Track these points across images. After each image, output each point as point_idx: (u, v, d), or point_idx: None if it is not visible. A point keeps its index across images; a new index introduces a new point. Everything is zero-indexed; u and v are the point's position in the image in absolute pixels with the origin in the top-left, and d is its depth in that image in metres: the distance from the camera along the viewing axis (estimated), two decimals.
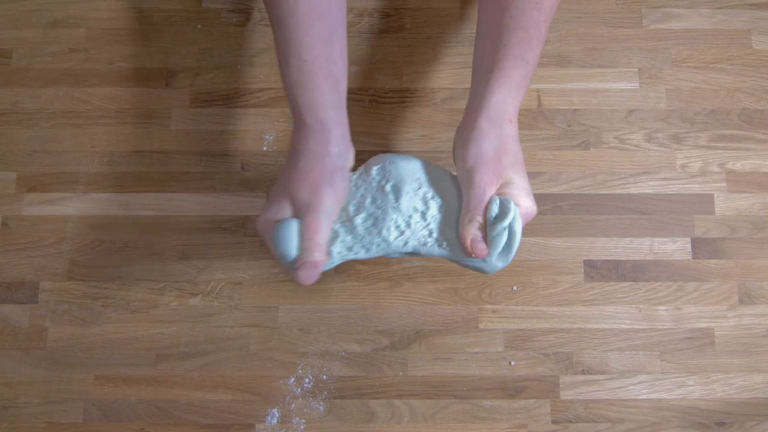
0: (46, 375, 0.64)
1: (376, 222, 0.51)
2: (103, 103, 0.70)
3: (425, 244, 0.51)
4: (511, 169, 0.51)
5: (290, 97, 0.53)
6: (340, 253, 0.51)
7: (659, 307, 0.65)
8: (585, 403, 0.63)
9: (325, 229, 0.51)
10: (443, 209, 0.52)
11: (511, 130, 0.52)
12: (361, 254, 0.51)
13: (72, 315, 0.65)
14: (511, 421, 0.63)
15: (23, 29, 0.71)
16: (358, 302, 0.65)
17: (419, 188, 0.53)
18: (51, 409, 0.63)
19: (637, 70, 0.70)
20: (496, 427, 0.63)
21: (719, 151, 0.68)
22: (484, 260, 0.50)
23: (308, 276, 0.49)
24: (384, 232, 0.51)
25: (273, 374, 0.64)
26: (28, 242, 0.67)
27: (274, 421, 0.63)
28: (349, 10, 0.72)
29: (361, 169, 0.55)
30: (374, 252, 0.51)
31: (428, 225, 0.52)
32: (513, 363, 0.64)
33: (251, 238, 0.66)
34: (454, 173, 0.55)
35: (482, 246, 0.49)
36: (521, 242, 0.53)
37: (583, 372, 0.64)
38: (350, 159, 0.54)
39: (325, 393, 0.63)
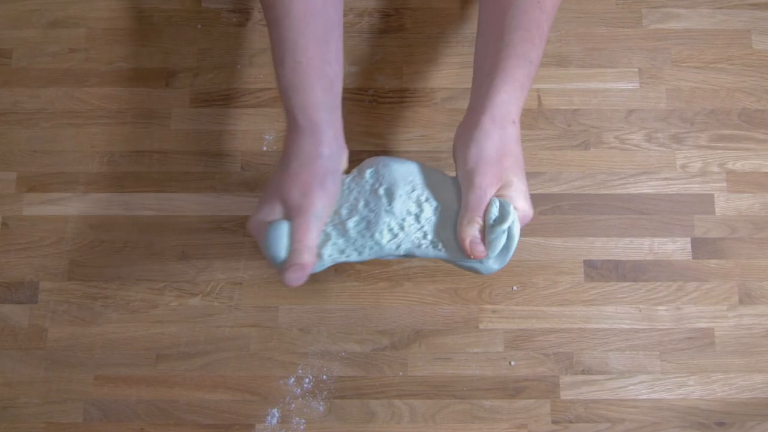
0: (46, 375, 0.64)
1: (369, 225, 0.51)
2: (103, 103, 0.70)
3: (420, 246, 0.51)
4: (511, 172, 0.51)
5: (284, 98, 0.53)
6: (331, 256, 0.51)
7: (659, 307, 0.65)
8: (585, 403, 0.63)
9: (315, 232, 0.50)
10: (438, 211, 0.52)
11: (514, 131, 0.52)
12: (353, 257, 0.51)
13: (72, 315, 0.65)
14: (511, 421, 0.63)
15: (23, 29, 0.71)
16: (358, 302, 0.65)
17: (413, 191, 0.52)
18: (51, 409, 0.63)
19: (637, 70, 0.70)
20: (496, 427, 0.63)
21: (719, 151, 0.68)
22: (480, 261, 0.51)
23: (295, 278, 0.49)
24: (376, 235, 0.51)
25: (273, 374, 0.64)
26: (28, 242, 0.67)
27: (274, 421, 0.63)
28: (349, 10, 0.72)
29: (354, 171, 0.55)
30: (367, 255, 0.51)
31: (422, 227, 0.52)
32: (513, 363, 0.64)
33: (251, 239, 0.66)
34: (449, 174, 0.55)
35: (481, 248, 0.50)
36: (519, 243, 0.53)
37: (583, 372, 0.64)
38: (343, 160, 0.53)
39: (325, 393, 0.63)
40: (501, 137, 0.51)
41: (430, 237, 0.51)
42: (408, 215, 0.52)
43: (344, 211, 0.52)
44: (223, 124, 0.69)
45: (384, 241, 0.51)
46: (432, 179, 0.54)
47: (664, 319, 0.65)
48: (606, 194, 0.67)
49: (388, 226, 0.51)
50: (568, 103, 0.69)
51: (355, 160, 0.58)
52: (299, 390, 0.63)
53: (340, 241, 0.51)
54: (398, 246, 0.51)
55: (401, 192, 0.52)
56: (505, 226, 0.49)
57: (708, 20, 0.71)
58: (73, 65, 0.71)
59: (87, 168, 0.68)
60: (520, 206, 0.51)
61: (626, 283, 0.65)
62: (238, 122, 0.69)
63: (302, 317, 0.65)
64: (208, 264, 0.66)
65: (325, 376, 0.64)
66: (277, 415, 0.63)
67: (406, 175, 0.53)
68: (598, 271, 0.66)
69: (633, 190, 0.67)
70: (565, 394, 0.63)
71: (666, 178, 0.68)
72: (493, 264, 0.51)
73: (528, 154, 0.67)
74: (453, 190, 0.53)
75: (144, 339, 0.64)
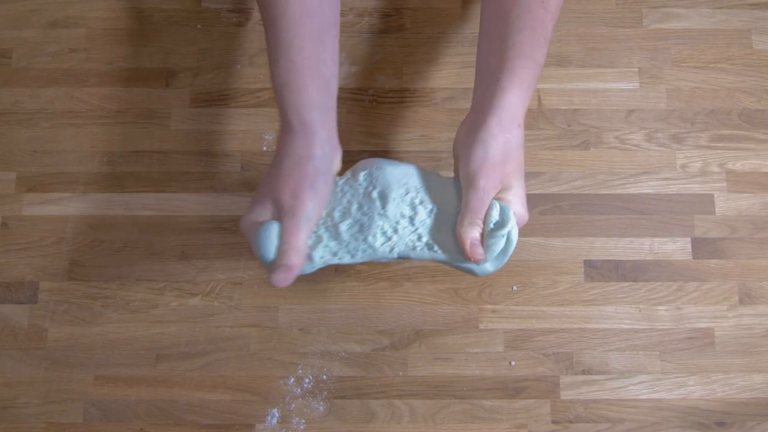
0: (46, 375, 0.64)
1: (362, 229, 0.51)
2: (103, 103, 0.70)
3: (415, 248, 0.51)
4: (512, 176, 0.51)
5: (278, 98, 0.52)
6: (323, 258, 0.51)
7: (659, 307, 0.65)
8: (585, 403, 0.63)
9: (305, 233, 0.50)
10: (433, 213, 0.52)
11: (519, 135, 0.51)
12: (346, 259, 0.51)
13: (72, 315, 0.65)
14: (511, 421, 0.63)
15: (23, 29, 0.71)
16: (358, 302, 0.65)
17: (406, 194, 0.53)
18: (51, 409, 0.63)
19: (637, 70, 0.70)
20: (496, 427, 0.63)
21: (719, 151, 0.68)
22: (476, 263, 0.51)
23: (282, 278, 0.49)
24: (370, 238, 0.51)
25: (273, 374, 0.64)
26: (28, 242, 0.67)
27: (274, 421, 0.63)
28: (350, 10, 0.72)
29: (348, 173, 0.55)
30: (360, 257, 0.51)
31: (417, 230, 0.52)
32: (513, 363, 0.64)
33: None
34: (443, 174, 0.55)
35: (480, 250, 0.50)
36: (519, 243, 0.53)
37: (583, 372, 0.64)
38: (336, 161, 0.53)
39: (325, 393, 0.63)
40: (507, 141, 0.51)
41: (425, 239, 0.51)
42: (402, 218, 0.52)
43: (337, 214, 0.52)
44: (223, 124, 0.69)
45: (377, 244, 0.51)
46: (426, 181, 0.54)
47: (664, 319, 0.65)
48: (606, 194, 0.67)
49: (382, 229, 0.51)
50: (568, 103, 0.69)
51: (356, 160, 0.58)
52: (299, 390, 0.63)
53: (332, 244, 0.51)
54: (392, 249, 0.51)
55: (395, 195, 0.52)
56: (505, 231, 0.50)
57: (708, 20, 0.71)
58: (73, 65, 0.71)
59: (87, 168, 0.68)
60: (518, 211, 0.51)
61: (626, 283, 0.65)
62: (238, 122, 0.69)
63: (302, 317, 0.65)
64: (208, 264, 0.66)
65: (325, 376, 0.64)
66: (277, 415, 0.63)
67: (399, 177, 0.53)
68: (598, 271, 0.66)
69: (633, 190, 0.67)
70: (565, 394, 0.63)
71: (666, 178, 0.68)
72: (489, 266, 0.51)
73: (528, 154, 0.67)
74: (449, 191, 0.53)
75: (144, 339, 0.64)
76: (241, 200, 0.67)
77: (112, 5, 0.72)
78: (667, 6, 0.72)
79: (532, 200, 0.66)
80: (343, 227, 0.51)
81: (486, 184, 0.50)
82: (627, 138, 0.68)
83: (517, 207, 0.51)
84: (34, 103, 0.70)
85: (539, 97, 0.69)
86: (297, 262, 0.50)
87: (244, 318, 0.65)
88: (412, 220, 0.52)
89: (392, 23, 0.72)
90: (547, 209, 0.67)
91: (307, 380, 0.64)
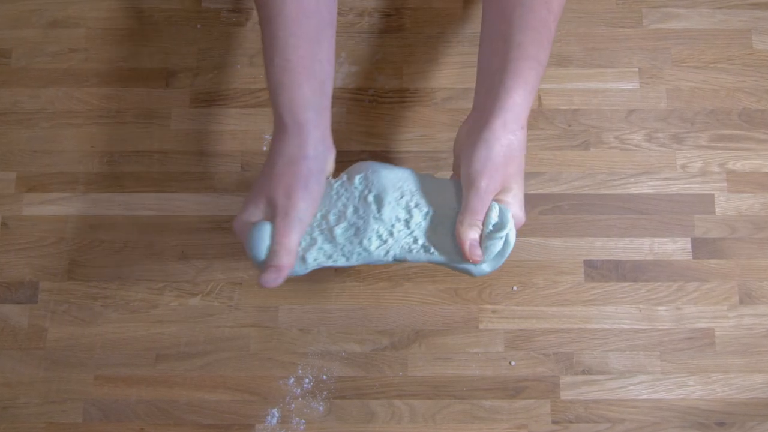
0: (46, 375, 0.64)
1: (358, 232, 0.51)
2: (103, 103, 0.70)
3: (411, 251, 0.51)
4: (513, 178, 0.51)
5: (272, 97, 0.52)
6: (316, 260, 0.51)
7: (659, 307, 0.65)
8: (585, 403, 0.63)
9: (296, 233, 0.50)
10: (429, 216, 0.52)
11: (522, 136, 0.51)
12: (341, 262, 0.51)
13: (72, 315, 0.65)
14: (511, 422, 0.63)
15: (23, 29, 0.71)
16: (358, 302, 0.65)
17: (401, 197, 0.53)
18: (51, 409, 0.63)
19: (637, 70, 0.70)
20: (496, 427, 0.63)
21: (719, 151, 0.68)
22: (474, 264, 0.51)
23: (271, 279, 0.49)
24: (365, 242, 0.51)
25: (273, 374, 0.64)
26: (28, 242, 0.67)
27: (274, 421, 0.63)
28: (349, 10, 0.72)
29: (343, 176, 0.55)
30: (355, 261, 0.51)
31: (412, 232, 0.52)
32: (513, 363, 0.64)
33: None
34: (439, 176, 0.55)
35: (479, 252, 0.50)
36: (519, 243, 0.53)
37: (583, 372, 0.64)
38: (330, 162, 0.53)
39: (325, 393, 0.63)
40: (510, 142, 0.50)
41: (421, 241, 0.52)
42: (397, 221, 0.52)
43: (332, 217, 0.52)
44: (223, 124, 0.69)
45: (372, 247, 0.51)
46: (422, 184, 0.54)
47: (664, 319, 0.65)
48: (606, 194, 0.67)
49: (377, 232, 0.51)
50: (568, 103, 0.69)
51: (355, 160, 0.58)
52: (299, 390, 0.63)
53: (327, 247, 0.51)
54: (387, 252, 0.51)
55: (390, 198, 0.52)
56: (503, 233, 0.50)
57: (708, 20, 0.71)
58: (73, 65, 0.71)
59: (87, 168, 0.68)
60: (516, 213, 0.51)
61: (626, 283, 0.65)
62: (237, 122, 0.69)
63: (302, 317, 0.65)
64: (208, 264, 0.66)
65: (325, 376, 0.64)
66: (277, 415, 0.63)
67: (395, 181, 0.53)
68: (598, 271, 0.66)
69: (633, 190, 0.67)
70: (565, 394, 0.63)
71: (666, 178, 0.68)
72: (486, 267, 0.51)
73: (528, 154, 0.67)
74: (444, 192, 0.53)
75: (144, 339, 0.64)
76: (241, 200, 0.67)
77: (112, 5, 0.72)
78: (667, 6, 0.72)
79: (532, 200, 0.66)
80: (338, 230, 0.51)
81: (488, 185, 0.50)
82: (627, 138, 0.68)
83: (515, 209, 0.51)
84: (34, 103, 0.70)
85: (539, 97, 0.69)
86: (287, 263, 0.49)
87: (244, 318, 0.65)
88: (407, 223, 0.52)
89: (392, 23, 0.72)
90: (547, 209, 0.67)
91: (307, 380, 0.64)
